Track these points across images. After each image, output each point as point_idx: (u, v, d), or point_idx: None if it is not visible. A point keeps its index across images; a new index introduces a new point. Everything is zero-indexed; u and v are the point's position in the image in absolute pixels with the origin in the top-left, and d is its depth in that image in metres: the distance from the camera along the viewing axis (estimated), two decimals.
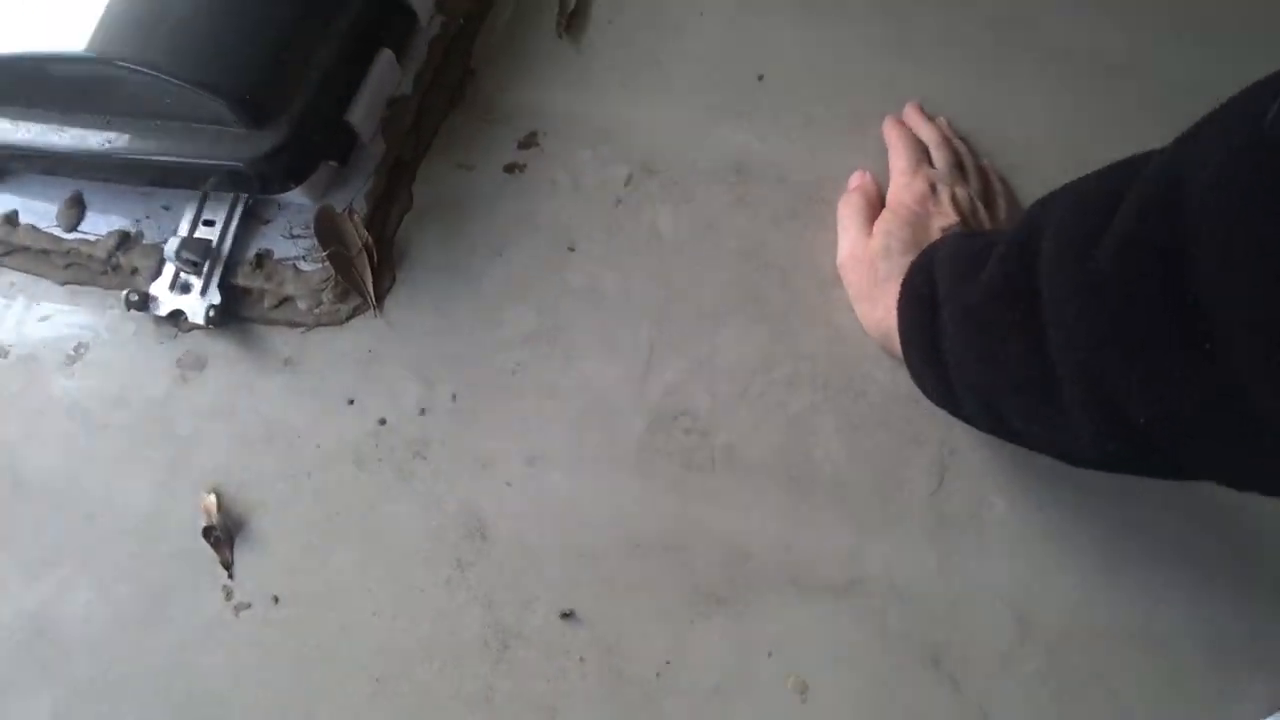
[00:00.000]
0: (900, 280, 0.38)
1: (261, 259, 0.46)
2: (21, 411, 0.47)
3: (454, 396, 0.43)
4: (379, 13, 0.48)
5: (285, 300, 0.46)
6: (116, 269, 0.49)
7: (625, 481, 0.41)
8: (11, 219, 0.51)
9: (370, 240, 0.45)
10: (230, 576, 0.41)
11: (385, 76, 0.49)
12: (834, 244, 0.45)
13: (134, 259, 0.48)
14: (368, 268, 0.45)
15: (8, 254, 0.51)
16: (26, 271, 0.51)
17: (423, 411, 0.43)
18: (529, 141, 0.49)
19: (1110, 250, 0.23)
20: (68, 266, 0.50)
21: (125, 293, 0.46)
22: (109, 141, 0.45)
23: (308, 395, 0.44)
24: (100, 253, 0.49)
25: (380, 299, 0.45)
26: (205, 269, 0.46)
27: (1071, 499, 0.40)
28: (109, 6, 0.43)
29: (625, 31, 0.53)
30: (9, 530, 0.44)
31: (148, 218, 0.49)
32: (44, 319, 0.49)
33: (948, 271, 0.34)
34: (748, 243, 0.46)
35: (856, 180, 0.46)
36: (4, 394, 0.47)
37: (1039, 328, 0.26)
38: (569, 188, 0.47)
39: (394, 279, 0.46)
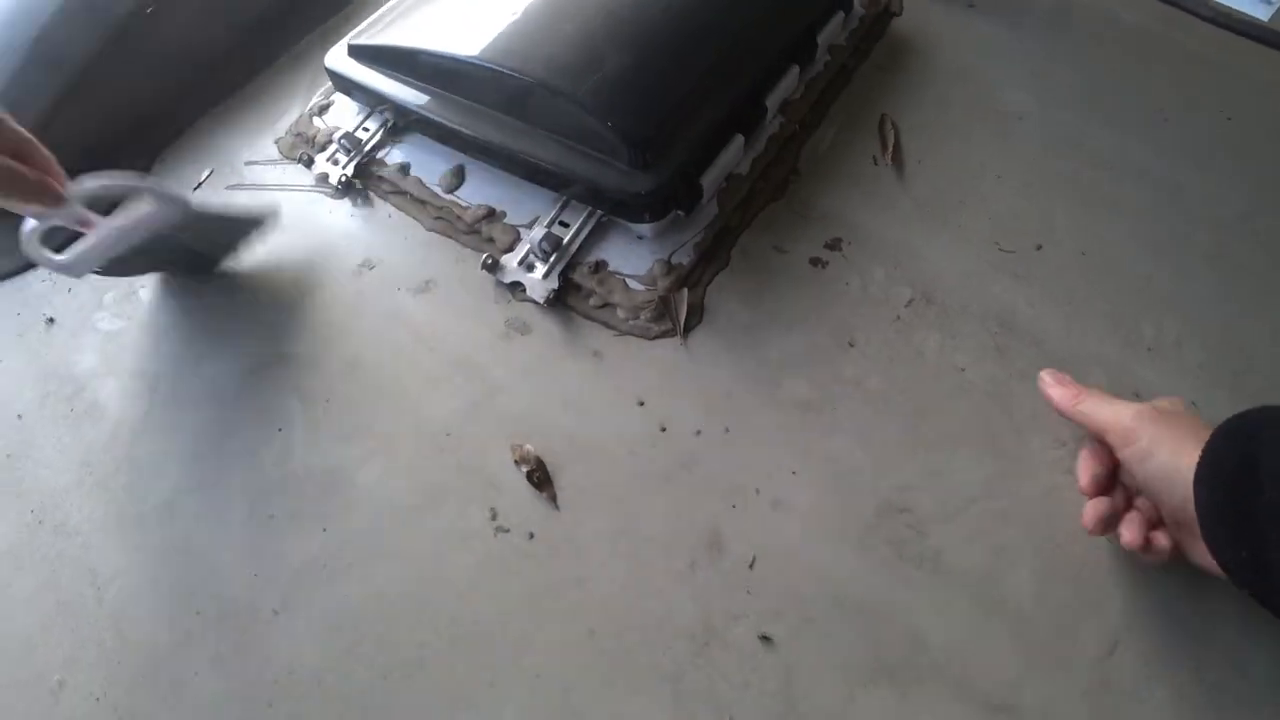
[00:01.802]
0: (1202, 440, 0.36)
1: (599, 266, 0.56)
2: (375, 314, 0.58)
3: (726, 429, 0.51)
4: (745, 101, 0.59)
5: (608, 305, 0.55)
6: (476, 233, 0.60)
7: (846, 549, 0.48)
8: (405, 169, 0.63)
9: (692, 284, 0.55)
10: (555, 505, 0.50)
11: (733, 155, 0.59)
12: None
13: (494, 231, 0.59)
14: (684, 303, 0.54)
15: (393, 193, 0.64)
16: (403, 211, 0.63)
17: (698, 433, 0.51)
18: (834, 244, 0.58)
19: None
20: (437, 219, 0.62)
21: (485, 256, 0.57)
22: (513, 139, 0.57)
23: (606, 386, 0.53)
24: (469, 218, 0.60)
25: (686, 331, 0.54)
26: (552, 259, 0.57)
27: (1242, 701, 0.45)
28: (559, 40, 0.55)
29: (932, 174, 0.62)
30: (337, 397, 0.55)
31: (513, 203, 0.61)
32: (408, 250, 0.61)
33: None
34: (995, 387, 0.53)
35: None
36: (366, 296, 0.59)
37: None
38: (859, 294, 0.56)
39: (700, 319, 0.55)
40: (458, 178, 0.63)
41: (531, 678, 0.46)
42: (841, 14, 0.67)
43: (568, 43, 0.55)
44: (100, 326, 0.65)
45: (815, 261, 0.57)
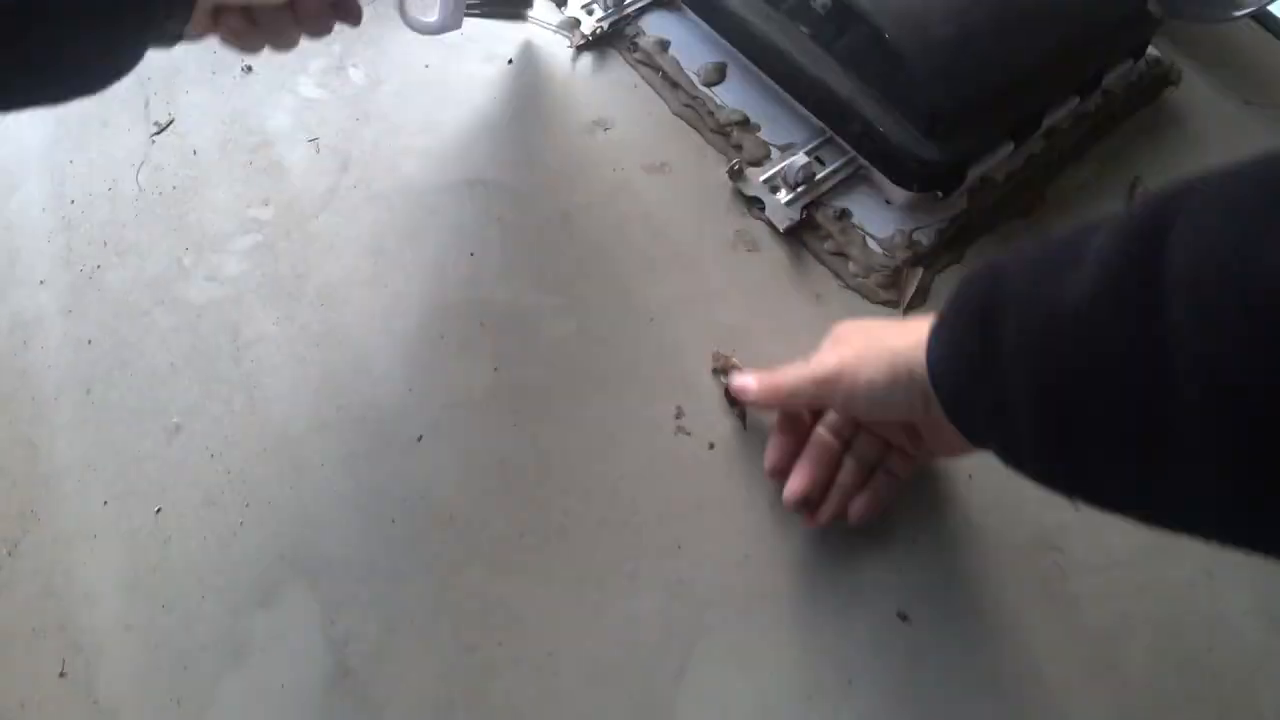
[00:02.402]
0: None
1: (843, 214, 0.55)
2: (601, 176, 0.57)
3: None
4: (1027, 113, 0.57)
5: (842, 254, 0.54)
6: (725, 135, 0.58)
7: (1000, 560, 0.48)
8: (664, 45, 0.61)
9: (924, 265, 0.54)
10: (744, 424, 0.48)
11: (1000, 159, 0.57)
12: None
13: (744, 139, 0.57)
14: (914, 280, 0.53)
15: (643, 63, 0.61)
16: (651, 86, 0.60)
17: None
18: None
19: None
20: (686, 105, 0.59)
21: (733, 161, 0.55)
22: (813, 61, 0.55)
23: (819, 330, 0.52)
24: (722, 118, 0.58)
25: (909, 309, 0.53)
26: (800, 189, 0.55)
27: None
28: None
29: None
30: (546, 243, 0.54)
31: (770, 120, 0.59)
32: (649, 127, 0.58)
33: (1024, 278, 0.28)
34: None
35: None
36: (594, 155, 0.57)
37: (1164, 354, 0.22)
38: None
39: (924, 301, 0.54)
40: (719, 74, 0.60)
41: (673, 582, 0.45)
42: (1131, 61, 0.66)
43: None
44: (301, 91, 0.62)
45: None
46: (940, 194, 0.55)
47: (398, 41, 0.63)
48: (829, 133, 0.57)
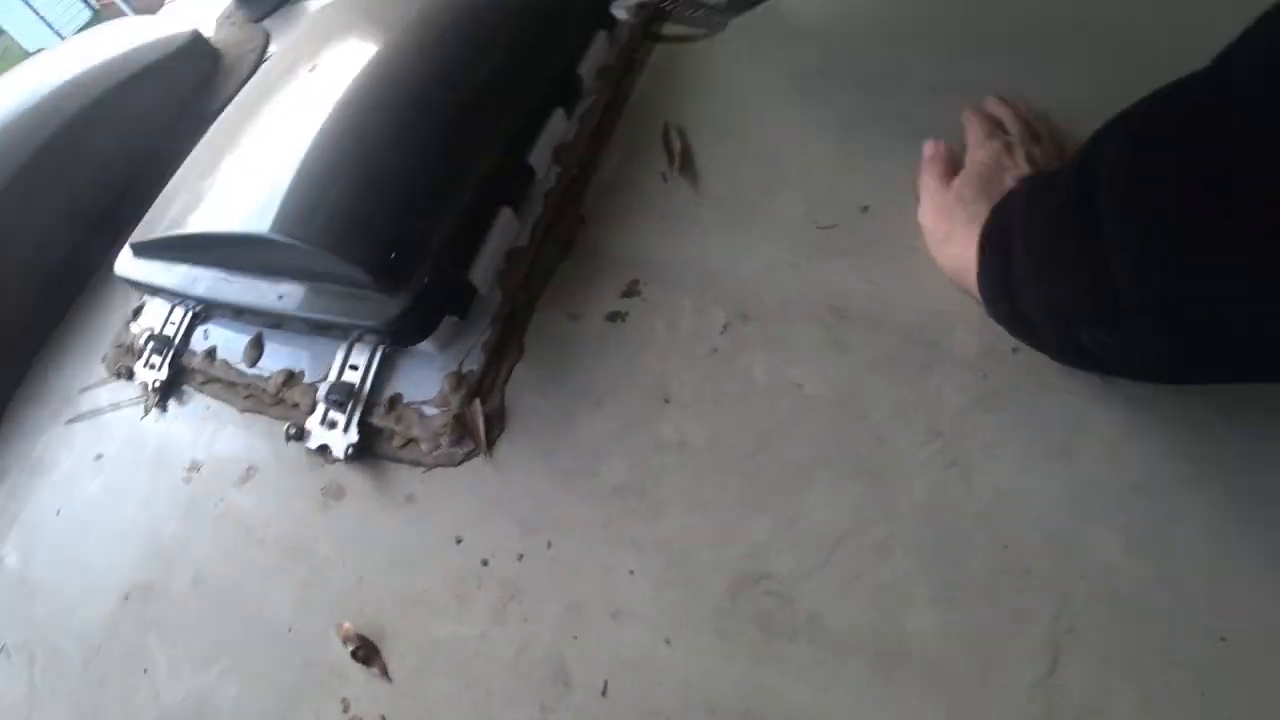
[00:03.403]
0: (978, 223, 0.40)
1: (394, 402, 0.52)
2: (206, 519, 0.55)
3: (549, 544, 0.45)
4: (501, 173, 0.53)
5: (410, 441, 0.51)
6: (281, 402, 0.57)
7: (704, 642, 0.41)
8: (211, 354, 0.61)
9: (486, 391, 0.50)
10: (388, 677, 0.45)
11: (505, 232, 0.53)
12: (934, 391, 0.43)
13: (296, 395, 0.56)
14: (479, 416, 0.49)
15: (206, 383, 0.61)
16: (218, 399, 0.60)
17: (520, 557, 0.46)
18: (631, 289, 0.52)
19: (1166, 150, 0.26)
20: (247, 397, 0.59)
21: (286, 426, 0.53)
22: (280, 299, 0.53)
23: (423, 530, 0.48)
24: (270, 388, 0.57)
25: (490, 444, 0.49)
26: (349, 409, 0.52)
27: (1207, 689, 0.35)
28: (277, 192, 0.51)
29: (729, 170, 0.55)
30: (188, 621, 0.52)
31: (310, 360, 0.57)
32: (227, 441, 0.58)
33: (1022, 203, 0.37)
34: (842, 392, 0.45)
35: (931, 149, 0.48)
36: (196, 502, 0.56)
37: (1097, 233, 0.29)
38: (666, 337, 0.49)
39: (503, 427, 0.49)
40: (257, 348, 0.60)
41: None
42: (604, 33, 0.61)
43: (286, 186, 0.51)
44: None
45: (613, 317, 0.51)
46: (456, 316, 0.52)
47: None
48: (347, 342, 0.55)
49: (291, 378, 0.57)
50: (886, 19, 0.59)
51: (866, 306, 0.47)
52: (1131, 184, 0.28)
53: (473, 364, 0.51)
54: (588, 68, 0.60)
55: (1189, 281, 0.26)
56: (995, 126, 0.47)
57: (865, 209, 0.50)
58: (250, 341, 0.60)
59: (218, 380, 0.61)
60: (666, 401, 0.47)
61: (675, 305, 0.50)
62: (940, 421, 0.43)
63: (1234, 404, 0.39)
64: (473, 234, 0.52)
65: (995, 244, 0.38)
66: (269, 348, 0.59)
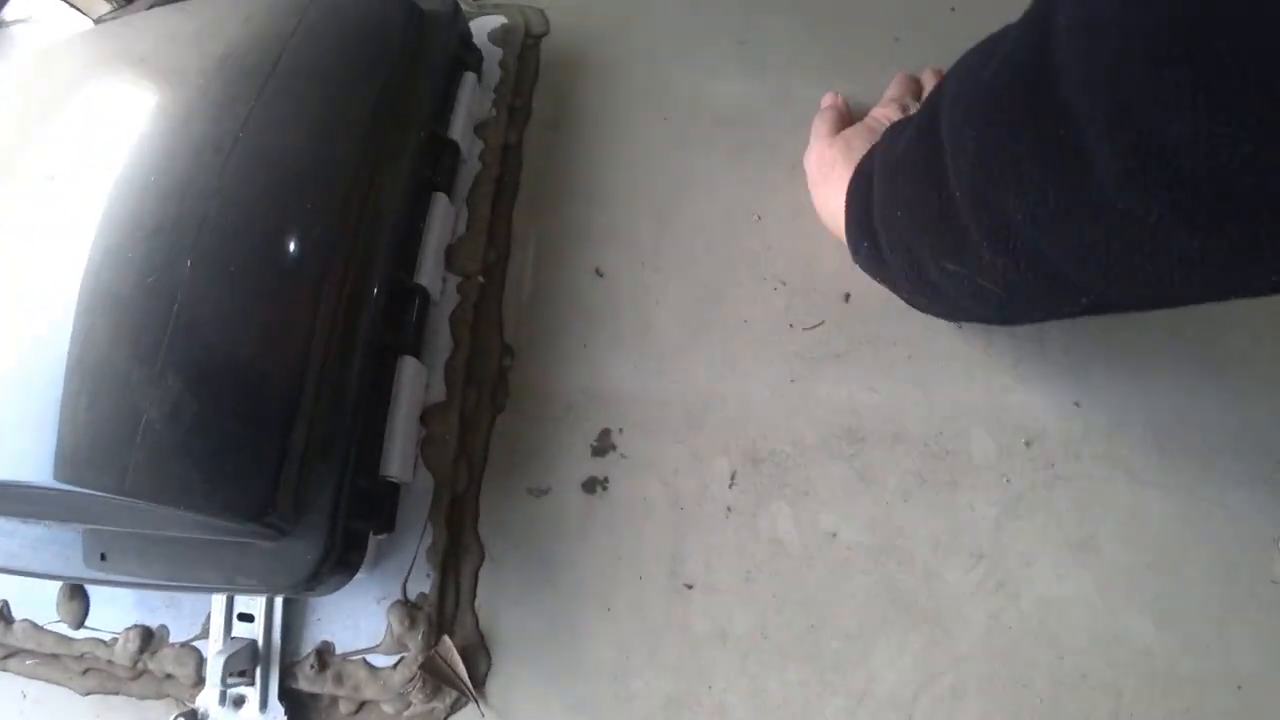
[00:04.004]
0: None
1: (323, 657, 0.39)
2: None
3: None
4: (384, 319, 0.39)
5: (364, 705, 0.39)
6: (145, 675, 0.41)
7: None
8: (2, 614, 0.42)
9: (451, 617, 0.38)
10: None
11: (414, 395, 0.40)
12: (966, 509, 0.40)
13: (165, 663, 0.40)
14: (454, 655, 0.38)
15: (7, 657, 0.43)
16: (38, 679, 0.42)
17: None
18: (604, 445, 0.42)
19: (994, 68, 0.26)
20: (85, 672, 0.42)
21: (174, 716, 0.39)
22: (105, 562, 0.37)
23: None
24: (122, 657, 0.40)
25: (479, 686, 0.39)
26: (259, 677, 0.39)
27: None
28: (52, 402, 0.33)
29: (681, 259, 0.45)
30: None
31: (166, 606, 0.41)
32: None
33: (881, 143, 0.37)
34: (880, 534, 0.40)
35: (829, 99, 0.47)
36: None
37: (940, 158, 0.29)
38: (666, 502, 0.41)
39: (490, 661, 0.39)
40: (79, 599, 0.42)
41: None
42: (473, 76, 0.46)
43: (69, 393, 0.34)
44: None
45: (590, 485, 0.41)
46: (382, 533, 0.39)
47: None
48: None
49: (150, 638, 0.41)
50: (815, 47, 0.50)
51: (879, 422, 0.42)
52: (967, 109, 0.28)
53: (420, 583, 0.39)
54: (460, 128, 0.45)
55: (1015, 201, 0.26)
56: (911, 91, 0.46)
57: (847, 297, 0.44)
58: (64, 590, 0.42)
59: (27, 653, 0.42)
60: (690, 588, 0.40)
61: (666, 457, 0.41)
62: (979, 542, 0.40)
63: (1213, 470, 0.41)
64: (375, 414, 0.38)
65: (859, 184, 0.38)
66: (96, 595, 0.42)
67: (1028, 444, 0.42)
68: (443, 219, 0.43)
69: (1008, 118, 0.26)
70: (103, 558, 0.37)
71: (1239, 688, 0.39)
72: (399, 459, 0.38)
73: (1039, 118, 0.24)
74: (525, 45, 0.51)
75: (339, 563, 0.36)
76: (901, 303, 0.42)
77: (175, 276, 0.35)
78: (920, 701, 0.39)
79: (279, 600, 0.39)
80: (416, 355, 0.41)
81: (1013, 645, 0.39)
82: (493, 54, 0.50)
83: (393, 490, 0.39)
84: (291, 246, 0.37)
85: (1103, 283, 0.27)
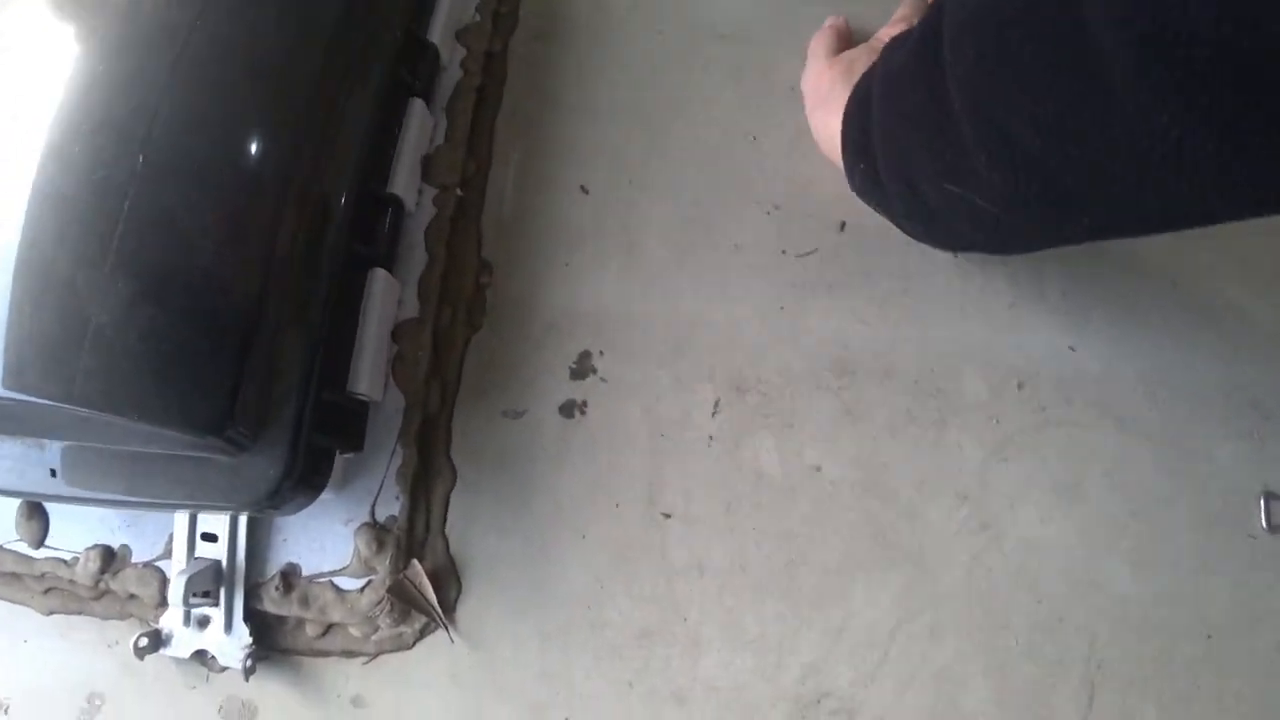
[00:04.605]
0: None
1: (289, 579, 0.38)
2: None
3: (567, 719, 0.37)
4: (354, 229, 0.37)
5: (331, 628, 0.38)
6: (108, 594, 0.40)
7: None
8: None
9: (421, 541, 0.37)
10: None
11: (385, 309, 0.38)
12: (954, 448, 0.39)
13: (127, 583, 0.39)
14: (424, 579, 0.37)
15: None
16: (3, 600, 0.41)
17: None
18: (583, 365, 0.40)
19: None
20: (47, 592, 0.40)
21: (134, 639, 0.37)
22: (54, 477, 0.35)
23: None
24: (84, 577, 0.39)
25: (449, 611, 0.38)
26: (224, 598, 0.37)
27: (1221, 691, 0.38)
28: (10, 326, 0.31)
29: (668, 179, 0.43)
30: None
31: (128, 525, 0.40)
32: (41, 662, 0.40)
33: (881, 59, 0.35)
34: (865, 470, 0.39)
35: (831, 20, 0.44)
36: None
37: (940, 68, 0.28)
38: (647, 429, 0.39)
39: (460, 585, 0.38)
40: (39, 518, 0.40)
41: None
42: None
43: (15, 296, 0.31)
44: None
45: (568, 409, 0.40)
46: (350, 451, 0.37)
47: None
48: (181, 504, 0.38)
49: (112, 557, 0.39)
50: None
51: (870, 357, 0.40)
52: (970, 11, 0.26)
53: (390, 506, 0.38)
54: (440, 31, 0.42)
55: (1016, 106, 0.25)
56: (920, 9, 0.43)
57: (843, 226, 0.42)
58: (22, 509, 0.40)
59: None
60: (667, 516, 0.39)
61: (648, 382, 0.40)
62: (965, 483, 0.40)
63: (1202, 422, 0.40)
64: (343, 324, 0.36)
65: (858, 104, 0.36)
66: (56, 513, 0.40)
67: (1019, 386, 0.41)
68: (419, 127, 0.41)
69: (1010, 15, 0.24)
70: (52, 474, 0.35)
71: (1209, 637, 0.39)
72: (368, 375, 0.37)
73: (1042, 12, 0.23)
74: None
75: (303, 481, 0.34)
76: (898, 235, 0.40)
77: (126, 173, 0.33)
78: (897, 639, 0.38)
79: (243, 520, 0.38)
80: (389, 268, 0.39)
81: (992, 587, 0.39)
82: None
83: (361, 408, 0.37)
84: (253, 145, 0.35)
85: (1106, 197, 0.25)
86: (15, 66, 0.36)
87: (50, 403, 0.31)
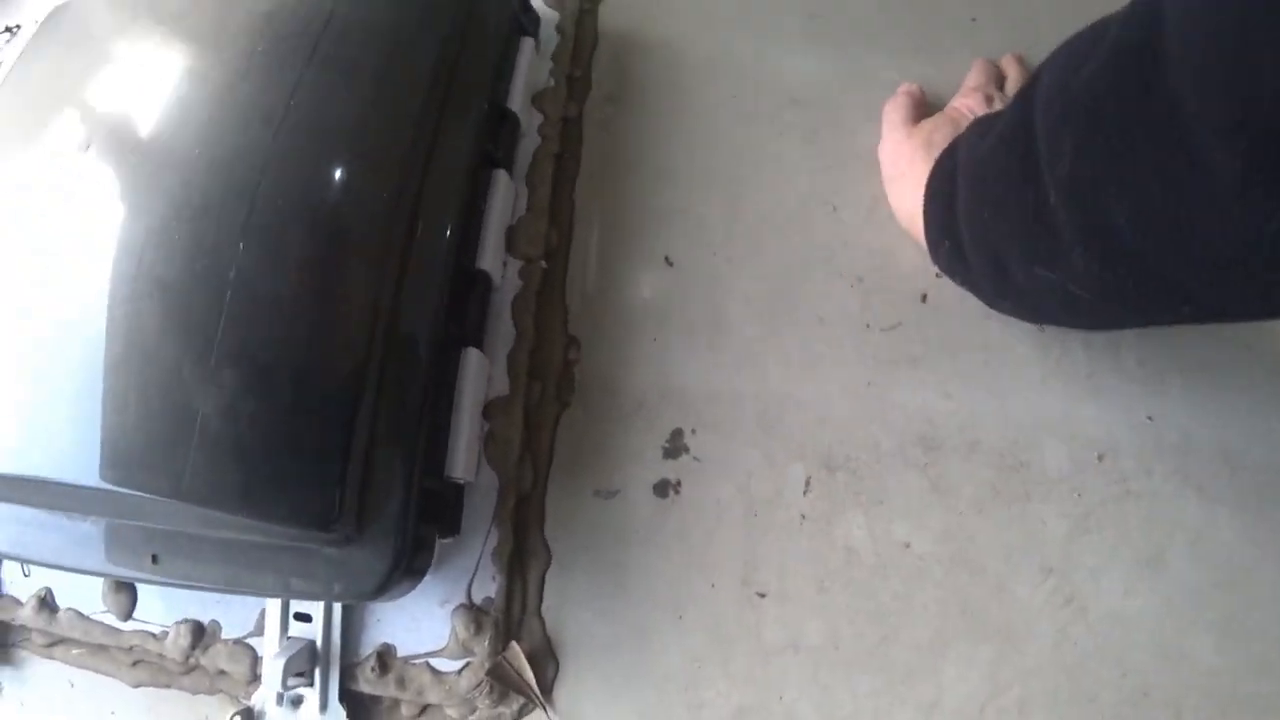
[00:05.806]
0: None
1: (384, 659, 0.38)
2: None
3: None
4: (451, 300, 0.36)
5: (428, 708, 0.38)
6: (198, 670, 0.39)
7: None
8: (47, 601, 0.40)
9: (517, 622, 0.37)
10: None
11: (478, 389, 0.38)
12: (1037, 521, 0.40)
13: (218, 659, 0.39)
14: (522, 659, 0.37)
15: (51, 645, 0.41)
16: (86, 669, 0.40)
17: None
18: (677, 446, 0.40)
19: (1094, 66, 0.25)
20: (135, 664, 0.40)
21: (229, 718, 0.37)
22: (156, 564, 0.35)
23: None
24: (174, 652, 0.39)
25: (547, 693, 0.38)
26: (318, 679, 0.37)
27: None
28: (111, 417, 0.31)
29: (755, 248, 0.43)
30: None
31: (217, 601, 0.39)
32: None
33: (966, 139, 0.35)
34: (953, 545, 0.40)
35: (905, 86, 0.45)
36: None
37: (1035, 159, 0.28)
38: (740, 508, 0.39)
39: (557, 666, 0.38)
40: (127, 590, 0.40)
41: None
42: (531, 42, 0.42)
43: (118, 392, 0.31)
44: None
45: (662, 488, 0.40)
46: (448, 537, 0.37)
47: None
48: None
49: (202, 633, 0.39)
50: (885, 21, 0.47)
51: (954, 431, 0.41)
52: (1065, 107, 0.27)
53: (485, 587, 0.38)
54: (518, 98, 0.42)
55: (1117, 202, 0.25)
56: (993, 79, 0.44)
57: (924, 298, 0.42)
58: (109, 582, 0.40)
59: (72, 642, 0.40)
60: (762, 596, 0.39)
61: (740, 461, 0.40)
62: (1050, 556, 0.40)
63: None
64: (439, 409, 0.36)
65: (941, 181, 0.37)
66: (143, 588, 0.40)
67: (1100, 458, 0.41)
68: (504, 198, 0.41)
69: (1111, 115, 0.24)
70: (154, 559, 0.35)
71: None
72: (464, 458, 0.36)
73: (1146, 114, 0.23)
74: (582, 8, 0.47)
75: (407, 570, 0.34)
76: (977, 306, 0.41)
77: (226, 261, 0.32)
78: (987, 714, 0.39)
79: (337, 605, 0.37)
80: (479, 346, 0.39)
81: (1079, 660, 0.39)
82: (548, 18, 0.47)
83: (459, 492, 0.37)
84: (352, 227, 0.35)
85: (1213, 288, 0.25)
86: (111, 145, 0.35)
87: (157, 498, 0.30)
